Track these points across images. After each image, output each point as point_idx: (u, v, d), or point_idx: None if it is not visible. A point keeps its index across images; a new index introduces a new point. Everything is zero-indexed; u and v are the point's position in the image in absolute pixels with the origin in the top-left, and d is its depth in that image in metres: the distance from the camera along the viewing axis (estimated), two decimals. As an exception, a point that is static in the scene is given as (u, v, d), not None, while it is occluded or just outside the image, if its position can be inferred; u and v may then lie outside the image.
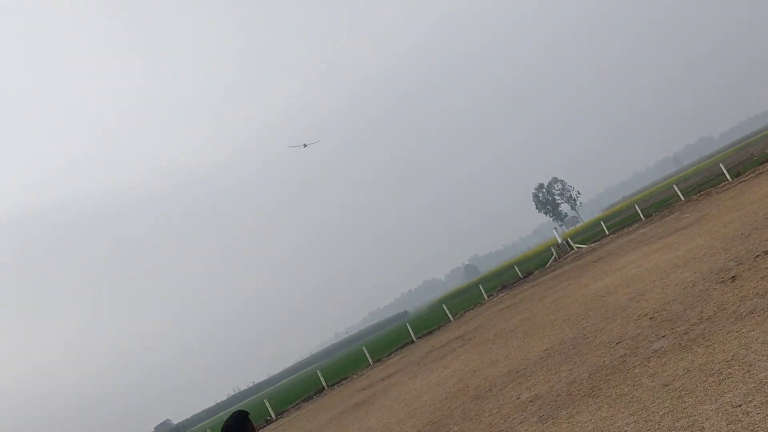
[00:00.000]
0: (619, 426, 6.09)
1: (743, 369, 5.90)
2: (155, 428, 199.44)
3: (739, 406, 5.12)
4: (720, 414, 5.15)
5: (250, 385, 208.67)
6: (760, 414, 4.75)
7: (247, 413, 4.49)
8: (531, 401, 8.90)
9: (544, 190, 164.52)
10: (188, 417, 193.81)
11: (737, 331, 7.16)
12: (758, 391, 5.21)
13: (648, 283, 14.11)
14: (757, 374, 5.58)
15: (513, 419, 8.42)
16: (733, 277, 10.18)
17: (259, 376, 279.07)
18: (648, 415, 5.97)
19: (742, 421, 4.79)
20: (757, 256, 10.82)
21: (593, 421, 6.66)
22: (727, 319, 7.87)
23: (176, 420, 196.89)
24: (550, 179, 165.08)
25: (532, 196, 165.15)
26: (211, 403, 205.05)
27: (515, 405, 9.17)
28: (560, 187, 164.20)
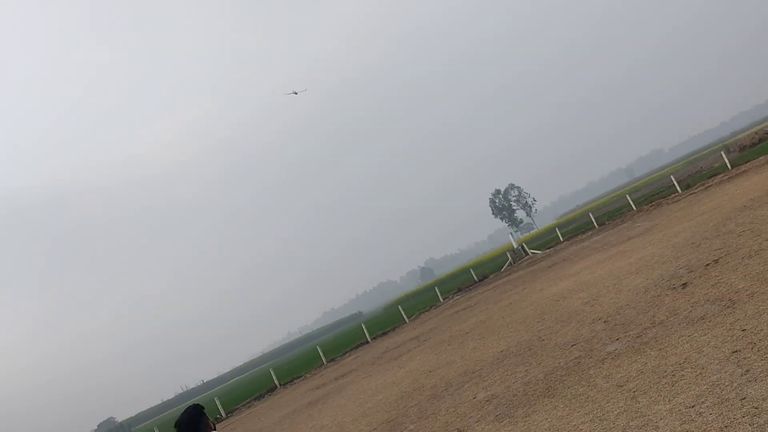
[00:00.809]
0: (575, 425, 6.18)
1: (696, 371, 6.06)
2: (99, 425, 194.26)
3: (693, 406, 5.26)
4: (674, 414, 5.28)
5: (199, 384, 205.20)
6: (713, 414, 4.89)
7: (202, 407, 4.39)
8: (487, 401, 8.98)
9: (500, 196, 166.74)
10: (133, 415, 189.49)
11: (689, 336, 7.36)
12: (711, 392, 5.36)
13: (601, 288, 14.42)
14: (710, 376, 5.74)
15: (470, 418, 8.48)
16: (684, 284, 10.47)
17: (209, 374, 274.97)
18: (603, 415, 6.08)
19: (696, 421, 4.91)
20: (707, 264, 11.16)
21: (549, 419, 6.75)
22: (679, 324, 8.09)
23: (120, 417, 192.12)
24: (507, 186, 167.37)
25: (488, 201, 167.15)
26: (158, 401, 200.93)
27: (472, 404, 9.23)
28: (516, 193, 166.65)
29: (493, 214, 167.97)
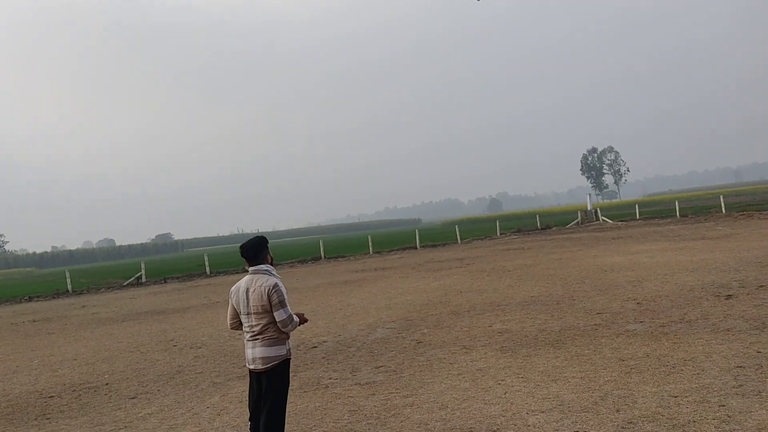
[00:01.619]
0: (566, 376, 6.65)
1: (695, 371, 6.35)
2: (156, 236, 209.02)
3: (675, 397, 5.61)
4: (656, 397, 5.65)
5: (254, 231, 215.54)
6: (689, 409, 5.24)
7: (267, 240, 5.02)
8: (500, 333, 9.52)
9: (595, 155, 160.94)
10: (189, 237, 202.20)
11: (707, 340, 7.57)
12: (697, 391, 5.68)
13: (652, 274, 14.43)
14: (705, 379, 6.03)
15: (478, 341, 9.07)
16: (729, 295, 10.47)
17: (265, 226, 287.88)
18: (595, 376, 6.51)
19: (671, 409, 5.29)
20: (762, 285, 11.04)
21: (545, 365, 7.24)
22: (704, 328, 8.26)
23: (177, 236, 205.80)
24: (606, 147, 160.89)
25: (581, 156, 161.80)
26: (215, 234, 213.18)
27: (485, 330, 9.81)
28: (612, 157, 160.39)
29: (581, 170, 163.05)
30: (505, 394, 6.31)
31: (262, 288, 4.61)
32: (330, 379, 7.76)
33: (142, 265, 35.73)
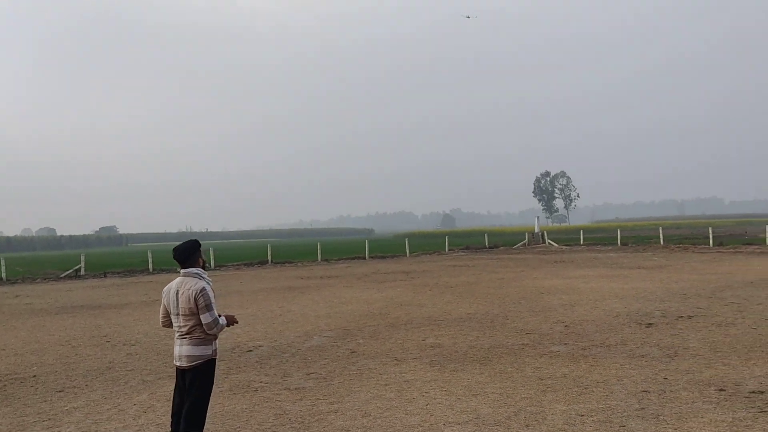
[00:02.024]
0: (487, 391, 6.98)
1: (605, 392, 6.75)
2: (100, 228, 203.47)
3: (582, 416, 5.98)
4: (564, 415, 6.01)
5: (203, 230, 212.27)
6: (592, 428, 5.60)
7: (200, 243, 5.19)
8: (432, 347, 9.82)
9: (548, 179, 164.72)
10: (134, 232, 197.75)
11: (621, 365, 8.02)
12: (603, 412, 6.07)
13: (583, 298, 15.03)
14: (612, 401, 6.43)
15: (409, 354, 9.34)
16: (650, 323, 11.04)
17: (215, 226, 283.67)
18: (513, 393, 6.85)
19: (576, 426, 5.64)
20: (681, 317, 11.67)
21: (469, 380, 7.56)
22: (621, 353, 8.74)
23: (122, 230, 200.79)
24: (558, 171, 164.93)
25: (535, 179, 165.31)
26: (161, 231, 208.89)
27: (418, 344, 10.09)
28: (564, 182, 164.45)
29: (533, 193, 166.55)
30: (426, 405, 6.57)
31: (190, 291, 4.77)
32: (260, 382, 7.90)
33: (82, 258, 34.90)
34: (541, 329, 10.99)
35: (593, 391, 6.83)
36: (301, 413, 6.46)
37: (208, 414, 5.90)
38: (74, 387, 8.02)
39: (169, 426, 5.89)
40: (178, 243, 5.40)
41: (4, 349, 11.06)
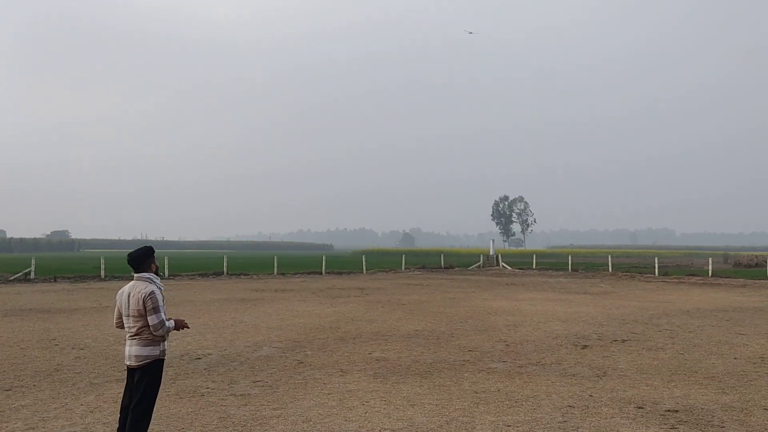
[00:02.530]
0: (424, 402, 7.37)
1: (533, 406, 7.22)
2: (51, 232, 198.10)
3: (509, 426, 6.42)
4: (492, 425, 6.44)
5: (159, 239, 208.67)
6: (517, 436, 6.05)
7: (153, 250, 5.50)
8: (378, 360, 10.19)
9: (506, 203, 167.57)
10: (87, 238, 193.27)
11: (552, 382, 8.53)
12: (528, 423, 6.52)
13: (527, 320, 15.61)
14: (538, 414, 6.90)
15: (355, 366, 9.68)
16: (585, 345, 11.64)
17: (171, 235, 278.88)
18: (448, 404, 7.26)
19: (502, 436, 6.07)
20: (616, 340, 12.31)
21: (408, 392, 7.95)
22: (554, 371, 9.25)
23: (75, 235, 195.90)
24: (517, 196, 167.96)
25: (493, 203, 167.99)
26: (115, 237, 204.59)
27: (364, 357, 10.44)
28: (522, 207, 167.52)
29: (492, 216, 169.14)
30: (365, 413, 6.93)
31: (140, 294, 5.07)
32: (207, 388, 8.13)
33: (32, 261, 34.19)
34: (483, 347, 11.46)
35: (522, 405, 7.29)
36: (245, 417, 6.74)
37: (154, 415, 6.15)
38: (22, 386, 8.12)
39: (115, 424, 6.12)
40: (131, 250, 5.70)
41: (-52, 349, 10.98)
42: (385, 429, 6.31)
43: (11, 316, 16.13)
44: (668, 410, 7.11)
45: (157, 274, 5.42)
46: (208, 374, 9.02)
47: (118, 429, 5.25)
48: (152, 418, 5.73)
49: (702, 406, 7.27)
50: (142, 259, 5.28)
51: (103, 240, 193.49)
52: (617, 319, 15.95)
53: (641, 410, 7.11)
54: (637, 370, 9.45)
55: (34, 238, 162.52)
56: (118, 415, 5.35)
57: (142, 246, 5.45)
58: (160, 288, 5.26)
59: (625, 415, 6.91)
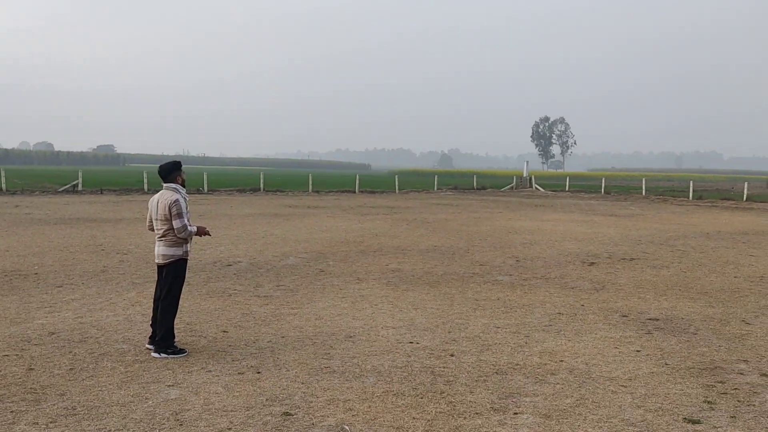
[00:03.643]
0: (427, 307, 8.14)
1: (525, 312, 7.92)
2: (98, 147, 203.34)
3: (498, 327, 7.14)
4: (484, 326, 7.17)
5: (201, 155, 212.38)
6: (501, 336, 6.76)
7: (180, 164, 6.20)
8: (392, 271, 10.97)
9: (546, 125, 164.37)
10: (132, 152, 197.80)
11: (550, 293, 9.19)
12: (516, 326, 7.23)
13: (544, 239, 16.17)
14: (527, 318, 7.60)
15: (371, 275, 10.49)
16: (593, 263, 12.21)
17: (213, 151, 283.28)
18: (449, 309, 8.02)
19: (489, 334, 6.80)
20: (625, 258, 12.84)
21: (414, 296, 8.73)
22: (555, 284, 9.90)
23: (120, 150, 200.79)
24: (557, 117, 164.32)
25: (533, 124, 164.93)
26: (159, 153, 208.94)
27: (381, 268, 11.24)
28: (562, 129, 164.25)
29: (531, 137, 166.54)
30: (372, 314, 7.73)
31: (166, 201, 5.81)
32: (235, 290, 9.04)
33: (80, 174, 35.81)
34: (495, 262, 12.14)
35: (516, 311, 8.00)
36: (265, 314, 7.62)
37: (185, 308, 7.08)
38: (71, 284, 9.17)
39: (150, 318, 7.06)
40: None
41: (8, 251, 12.18)
42: (387, 326, 7.11)
43: (61, 224, 17.41)
44: (650, 318, 7.73)
45: (183, 185, 6.13)
46: (237, 279, 9.94)
47: (152, 317, 6.13)
48: (183, 311, 6.61)
49: (683, 317, 7.86)
50: (169, 171, 5.99)
51: (147, 155, 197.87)
52: (633, 239, 16.38)
53: (624, 318, 7.75)
54: (635, 285, 10.03)
55: (81, 152, 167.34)
56: (153, 305, 6.22)
57: (171, 160, 6.16)
58: (184, 197, 5.98)
59: (608, 321, 7.56)
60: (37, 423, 4.25)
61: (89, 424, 4.25)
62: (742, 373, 5.67)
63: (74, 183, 33.94)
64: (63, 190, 32.41)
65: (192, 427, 4.24)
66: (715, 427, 4.45)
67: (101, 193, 32.48)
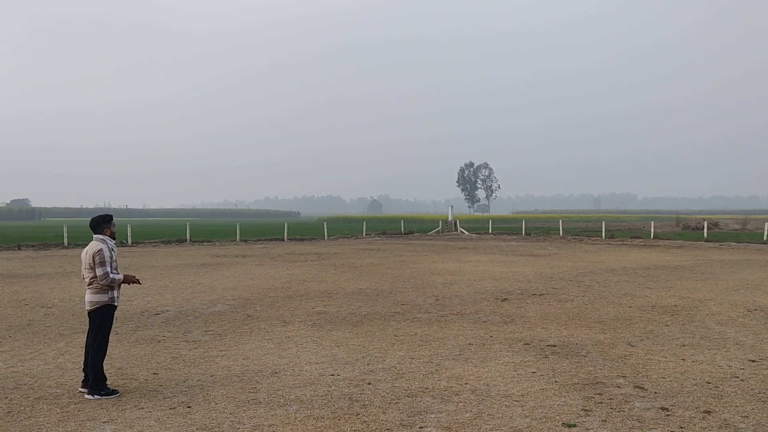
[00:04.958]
0: (349, 344, 8.72)
1: (440, 344, 8.63)
2: (11, 201, 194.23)
3: (413, 358, 7.80)
4: (400, 358, 7.81)
5: (122, 207, 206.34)
6: (415, 365, 7.43)
7: (112, 217, 6.68)
8: (318, 313, 11.51)
9: (471, 170, 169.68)
10: (48, 206, 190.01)
11: (463, 327, 9.97)
12: (430, 356, 7.92)
13: (464, 278, 17.11)
14: (441, 350, 8.31)
15: (297, 318, 11.00)
16: (505, 299, 13.15)
17: (135, 203, 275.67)
18: (369, 345, 8.63)
19: (399, 365, 7.45)
20: (535, 294, 13.86)
21: (339, 336, 9.30)
22: (470, 319, 10.70)
23: (36, 204, 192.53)
24: (482, 163, 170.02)
25: (458, 170, 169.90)
26: (77, 206, 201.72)
27: (307, 311, 11.76)
28: (487, 174, 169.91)
29: (457, 182, 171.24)
30: (297, 352, 8.26)
31: (92, 251, 6.30)
32: (163, 337, 9.36)
33: (-4, 230, 34.56)
34: (416, 301, 12.88)
35: (431, 344, 8.71)
36: (194, 357, 8.01)
37: (116, 355, 7.41)
38: (-2, 338, 9.24)
39: (82, 363, 7.34)
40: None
41: (-76, 309, 11.95)
42: (310, 362, 7.65)
43: (-21, 281, 17.00)
44: (548, 345, 8.60)
45: (112, 237, 6.58)
46: (165, 326, 10.23)
47: (84, 362, 6.46)
48: (113, 357, 6.95)
49: (577, 342, 8.78)
50: (98, 223, 6.47)
51: (65, 209, 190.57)
52: (546, 277, 17.56)
53: (527, 345, 8.59)
54: (541, 317, 10.96)
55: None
56: (84, 351, 6.56)
57: (102, 213, 6.62)
58: (111, 248, 6.43)
59: (512, 349, 8.37)
60: (-21, 460, 4.57)
61: (30, 458, 4.60)
62: (619, 386, 6.54)
63: (-11, 239, 32.71)
64: (-23, 247, 31.19)
65: (128, 455, 4.66)
66: (587, 429, 5.23)
67: (19, 248, 31.48)
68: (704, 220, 65.72)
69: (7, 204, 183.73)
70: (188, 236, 38.26)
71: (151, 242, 36.26)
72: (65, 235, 34.63)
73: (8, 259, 24.96)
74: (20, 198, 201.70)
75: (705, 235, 39.76)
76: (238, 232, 40.81)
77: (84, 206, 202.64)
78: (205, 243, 37.04)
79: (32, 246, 32.61)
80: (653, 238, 38.76)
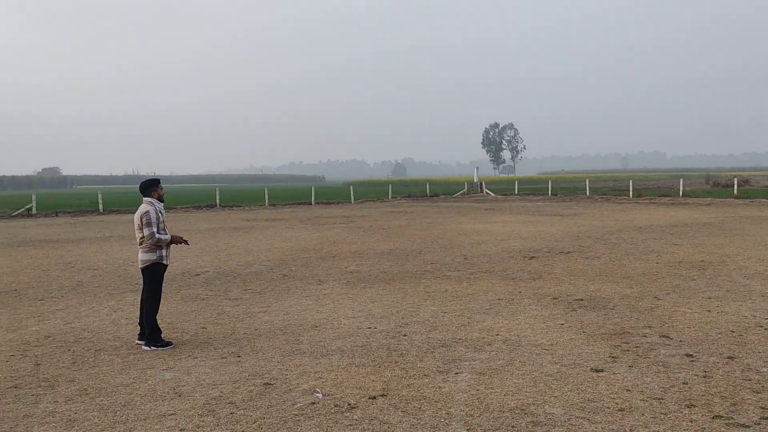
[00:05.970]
0: (383, 300, 9.11)
1: (470, 299, 8.97)
2: (42, 170, 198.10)
3: (446, 312, 8.16)
4: (433, 312, 8.18)
5: (150, 174, 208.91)
6: (447, 319, 7.78)
7: (159, 181, 7.05)
8: (351, 272, 11.92)
9: (496, 131, 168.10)
10: (78, 174, 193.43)
11: (493, 283, 10.29)
12: (461, 310, 8.26)
13: (491, 238, 17.37)
14: (472, 304, 8.64)
15: (331, 277, 11.41)
16: (533, 257, 13.41)
17: (162, 170, 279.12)
18: (402, 301, 9.01)
19: (437, 318, 7.81)
20: (562, 252, 14.09)
21: (372, 293, 9.69)
22: (498, 276, 11.01)
23: (66, 172, 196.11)
24: (507, 123, 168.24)
25: (483, 131, 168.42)
26: (107, 173, 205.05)
27: (340, 270, 12.17)
28: (512, 134, 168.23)
29: (482, 144, 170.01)
30: (334, 308, 8.67)
31: (140, 213, 6.70)
32: (206, 295, 9.84)
33: (33, 197, 35.62)
34: (444, 260, 13.21)
35: (462, 299, 9.05)
36: (237, 313, 8.47)
37: (165, 311, 7.88)
38: (52, 297, 9.82)
39: (135, 319, 7.84)
40: (123, 186, 7.26)
41: (-21, 273, 12.64)
42: (348, 317, 8.05)
43: (24, 246, 17.76)
44: (576, 299, 8.88)
45: (160, 199, 6.97)
46: (207, 285, 10.73)
47: (140, 317, 6.93)
48: (163, 313, 7.40)
49: (604, 296, 9.05)
50: (146, 186, 6.87)
51: (95, 176, 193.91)
52: (573, 235, 17.73)
53: (555, 300, 8.88)
54: (568, 273, 11.22)
55: (27, 176, 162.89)
56: (139, 307, 7.03)
57: (150, 178, 7.00)
58: (158, 209, 6.82)
59: (540, 303, 8.67)
60: (57, 401, 5.05)
61: (102, 400, 5.07)
62: (645, 336, 6.82)
63: (28, 207, 33.76)
64: (17, 215, 32.25)
65: (189, 397, 5.11)
66: (614, 373, 5.54)
67: (56, 215, 32.45)
68: (734, 177, 64.79)
69: (38, 173, 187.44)
70: (218, 201, 38.95)
71: (182, 207, 37.02)
72: (100, 201, 35.53)
73: (48, 225, 25.83)
74: (51, 167, 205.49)
75: (735, 192, 39.29)
76: (266, 196, 41.40)
77: (113, 174, 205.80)
78: (234, 207, 37.71)
79: (69, 212, 33.57)
80: (682, 196, 38.44)
